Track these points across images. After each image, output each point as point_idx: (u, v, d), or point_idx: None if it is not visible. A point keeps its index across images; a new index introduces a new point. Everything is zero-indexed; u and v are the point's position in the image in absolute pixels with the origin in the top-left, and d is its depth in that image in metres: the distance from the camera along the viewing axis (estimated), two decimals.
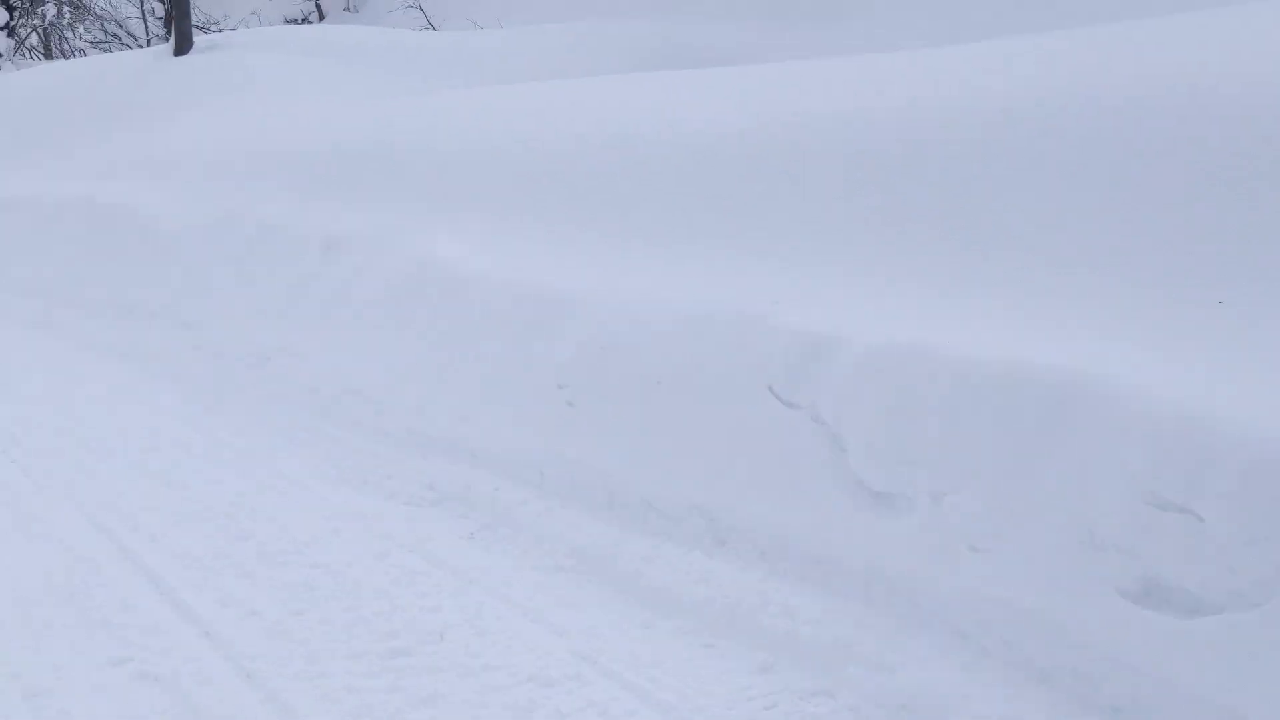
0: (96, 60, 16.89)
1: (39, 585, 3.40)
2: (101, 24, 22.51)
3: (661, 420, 3.93)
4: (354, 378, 5.60)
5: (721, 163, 5.32)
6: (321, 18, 21.67)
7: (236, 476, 4.61)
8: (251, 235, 7.28)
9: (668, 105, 6.32)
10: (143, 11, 22.85)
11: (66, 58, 21.05)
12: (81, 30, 22.52)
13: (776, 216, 4.80)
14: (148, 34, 22.44)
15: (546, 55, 11.22)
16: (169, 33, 20.13)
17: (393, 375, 5.45)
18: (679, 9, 14.01)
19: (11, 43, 19.64)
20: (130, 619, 3.17)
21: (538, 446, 4.36)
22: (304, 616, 3.21)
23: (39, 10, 20.64)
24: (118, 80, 13.87)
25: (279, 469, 4.71)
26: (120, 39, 22.51)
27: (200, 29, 16.18)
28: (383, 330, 5.78)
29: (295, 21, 21.87)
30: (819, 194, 4.74)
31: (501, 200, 6.23)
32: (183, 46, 13.50)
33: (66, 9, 21.36)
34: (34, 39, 21.25)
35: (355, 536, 3.89)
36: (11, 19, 19.64)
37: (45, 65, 18.36)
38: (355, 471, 4.68)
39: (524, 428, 4.54)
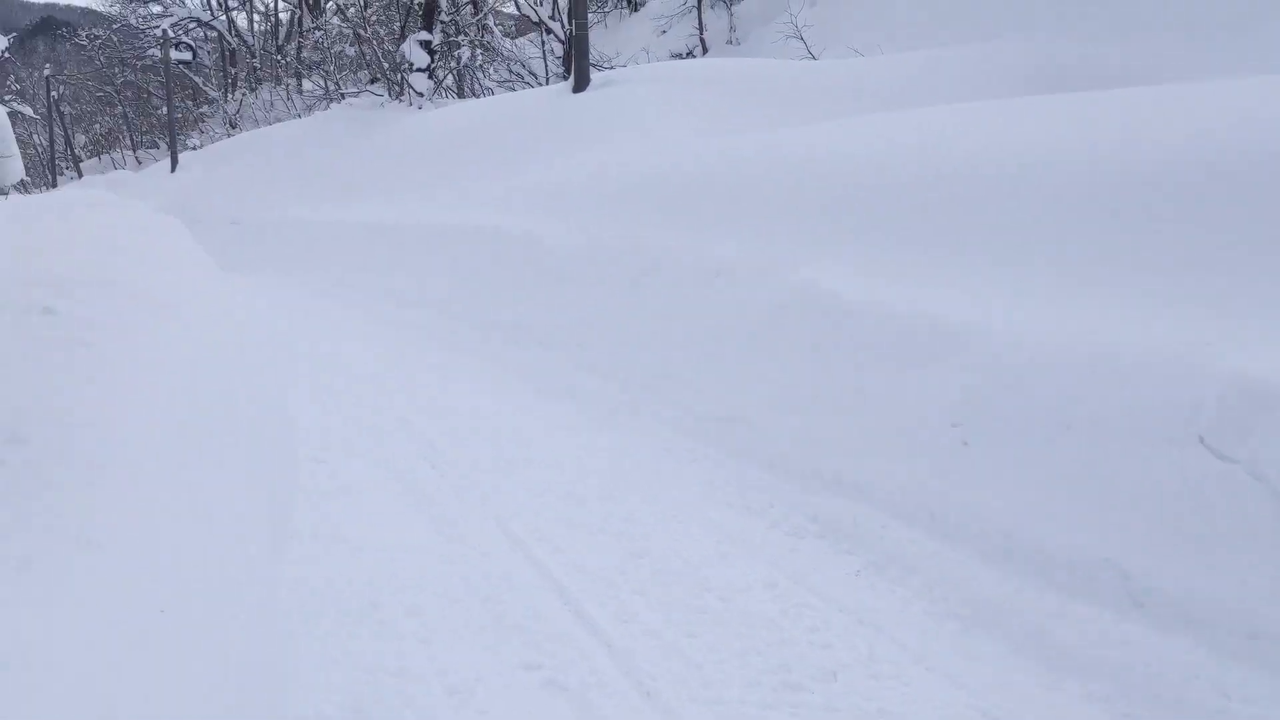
0: (504, 99, 18.36)
1: (459, 588, 3.68)
2: (508, 64, 24.53)
3: (1068, 467, 3.69)
4: (735, 404, 5.71)
5: (1133, 188, 4.93)
6: (705, 51, 22.43)
7: (629, 494, 4.81)
8: (641, 263, 7.62)
9: (1065, 129, 5.97)
10: (543, 52, 24.70)
11: (476, 96, 23.09)
12: (490, 70, 24.63)
13: (1200, 248, 4.38)
14: (547, 72, 24.21)
15: (927, 81, 10.94)
16: (567, 71, 21.65)
17: (773, 403, 5.50)
18: (1064, 27, 13.28)
19: (431, 84, 21.77)
20: (540, 627, 3.37)
21: (927, 486, 4.23)
22: (697, 639, 3.28)
23: (455, 54, 22.78)
24: (523, 116, 15.01)
25: (667, 490, 4.86)
26: (523, 77, 24.43)
27: (595, 66, 17.21)
28: (764, 358, 5.85)
29: (680, 56, 22.80)
30: (1252, 225, 4.28)
31: (884, 228, 6.14)
32: (581, 84, 14.43)
33: (479, 52, 23.44)
34: (449, 80, 23.44)
35: (742, 563, 3.93)
36: (432, 62, 21.78)
37: (459, 104, 20.19)
38: (738, 497, 4.74)
39: (912, 465, 4.43)
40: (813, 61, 14.90)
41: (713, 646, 3.23)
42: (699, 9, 23.10)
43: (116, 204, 8.30)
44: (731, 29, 21.95)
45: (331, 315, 10.45)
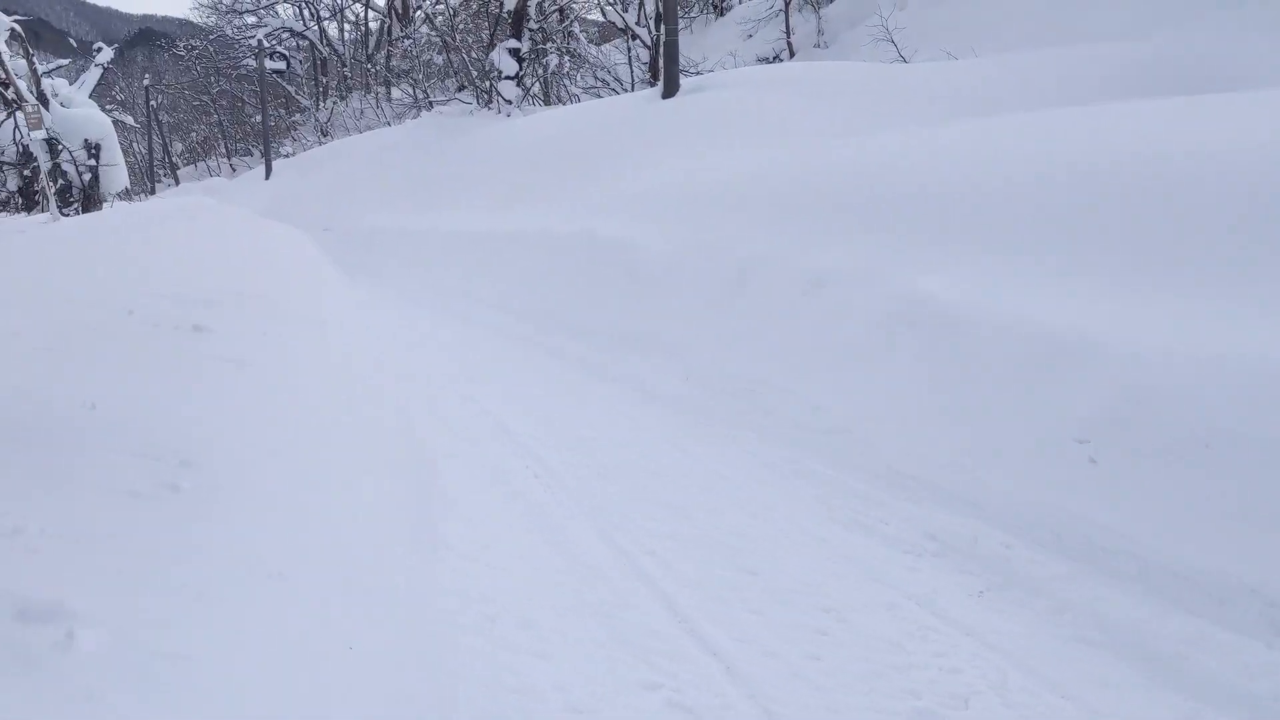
0: (592, 105, 18.39)
1: (571, 602, 3.63)
2: (594, 71, 24.63)
3: (1207, 487, 3.52)
4: (839, 415, 5.60)
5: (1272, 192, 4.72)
6: (792, 55, 22.26)
7: (735, 508, 4.72)
8: (737, 269, 7.52)
9: (1191, 131, 5.76)
10: (629, 58, 24.76)
11: (563, 103, 23.21)
12: (577, 77, 24.75)
13: None
14: (633, 78, 24.24)
15: (1028, 83, 10.65)
16: (654, 77, 21.65)
17: (879, 415, 5.38)
18: (1173, 25, 12.87)
19: (519, 92, 21.94)
20: (656, 644, 3.30)
21: (1052, 504, 4.08)
22: (820, 662, 3.19)
23: (543, 61, 22.92)
24: (612, 123, 15.01)
25: (772, 503, 4.77)
26: (609, 83, 24.50)
27: (682, 71, 17.14)
28: (868, 368, 5.73)
29: (767, 60, 22.65)
30: None
31: (994, 235, 5.96)
32: (671, 89, 14.39)
33: (566, 59, 23.57)
34: (536, 87, 23.62)
35: (858, 582, 3.82)
36: (520, 69, 21.96)
37: (547, 111, 20.30)
38: (847, 512, 4.63)
39: (1034, 482, 4.28)
40: (905, 65, 14.66)
41: (836, 670, 3.14)
42: (786, 12, 22.92)
43: (222, 211, 8.48)
44: (819, 32, 21.73)
45: (427, 322, 10.53)
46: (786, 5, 22.92)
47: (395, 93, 36.98)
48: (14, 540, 1.87)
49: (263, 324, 3.49)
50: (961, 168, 6.86)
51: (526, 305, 10.22)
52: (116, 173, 13.47)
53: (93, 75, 15.79)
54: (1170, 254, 4.85)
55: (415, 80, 32.89)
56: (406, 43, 35.25)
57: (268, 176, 29.50)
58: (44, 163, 13.02)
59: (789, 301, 6.70)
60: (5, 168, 20.92)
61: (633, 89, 23.59)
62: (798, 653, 3.25)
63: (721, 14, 29.51)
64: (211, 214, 7.30)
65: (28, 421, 2.27)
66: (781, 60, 22.46)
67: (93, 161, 13.18)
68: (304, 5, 45.43)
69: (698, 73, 20.89)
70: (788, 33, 22.79)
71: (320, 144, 34.31)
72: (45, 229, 10.74)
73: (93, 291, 3.67)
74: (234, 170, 43.43)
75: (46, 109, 12.59)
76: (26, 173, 19.35)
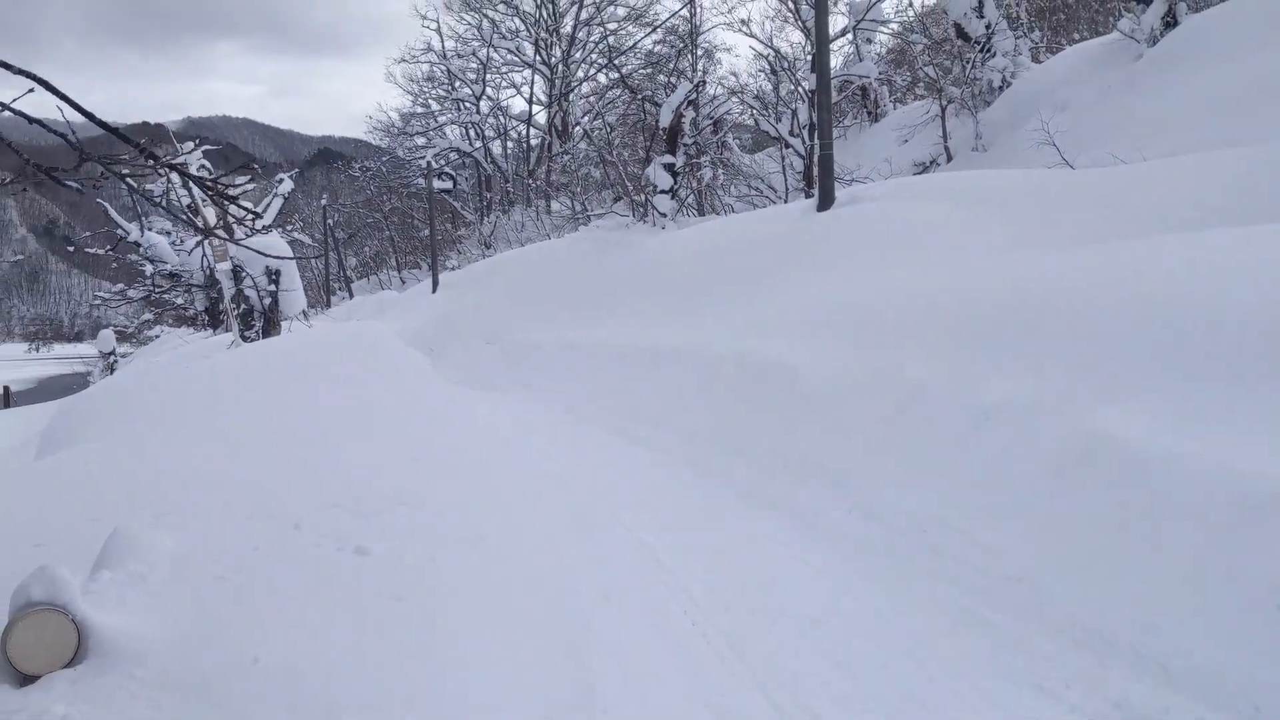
0: (746, 217, 18.48)
1: None
2: (747, 181, 24.85)
3: None
4: (1014, 560, 5.28)
5: None
6: (949, 159, 22.00)
7: (902, 661, 4.48)
8: (901, 396, 7.29)
9: None
10: (783, 166, 24.90)
11: (717, 213, 23.45)
12: (730, 187, 25.02)
13: None
14: (787, 187, 24.34)
15: (1210, 191, 10.07)
16: (808, 185, 21.70)
17: (1059, 562, 5.05)
18: None
19: (674, 204, 22.27)
20: None
21: (1251, 673, 3.72)
22: None
23: (698, 174, 23.27)
24: (766, 236, 15.01)
25: (947, 658, 4.50)
26: (762, 192, 24.66)
27: (837, 179, 17.11)
28: (1045, 510, 5.40)
29: (924, 165, 22.44)
30: None
31: (1188, 368, 5.51)
32: (826, 202, 14.33)
33: (720, 171, 23.87)
34: (691, 199, 23.95)
35: None
36: (675, 183, 22.32)
37: (701, 224, 20.51)
38: (1027, 672, 4.32)
39: (1232, 648, 3.91)
40: (1070, 171, 14.23)
41: None
42: (942, 117, 22.73)
43: (390, 355, 8.74)
44: (977, 136, 21.42)
45: (580, 438, 10.60)
46: (943, 110, 22.75)
47: (554, 205, 38.17)
48: None
49: (428, 545, 3.49)
50: (1143, 289, 6.48)
51: (682, 423, 10.15)
52: (294, 296, 14.17)
53: (275, 204, 16.75)
54: None
55: (574, 193, 33.86)
56: (565, 158, 36.46)
57: (434, 290, 30.63)
58: (228, 289, 13.78)
59: (958, 434, 6.43)
60: (194, 289, 22.30)
61: (786, 198, 23.67)
62: None
63: (876, 120, 29.51)
64: (381, 362, 7.58)
65: (196, 672, 2.30)
66: (938, 165, 22.21)
67: (273, 287, 13.88)
68: (470, 126, 47.67)
69: (852, 180, 20.83)
70: (944, 137, 22.57)
71: (484, 256, 35.54)
72: (229, 355, 11.31)
73: (263, 495, 3.78)
74: (403, 282, 45.33)
75: (232, 239, 13.38)
76: (213, 294, 20.60)
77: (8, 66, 2.07)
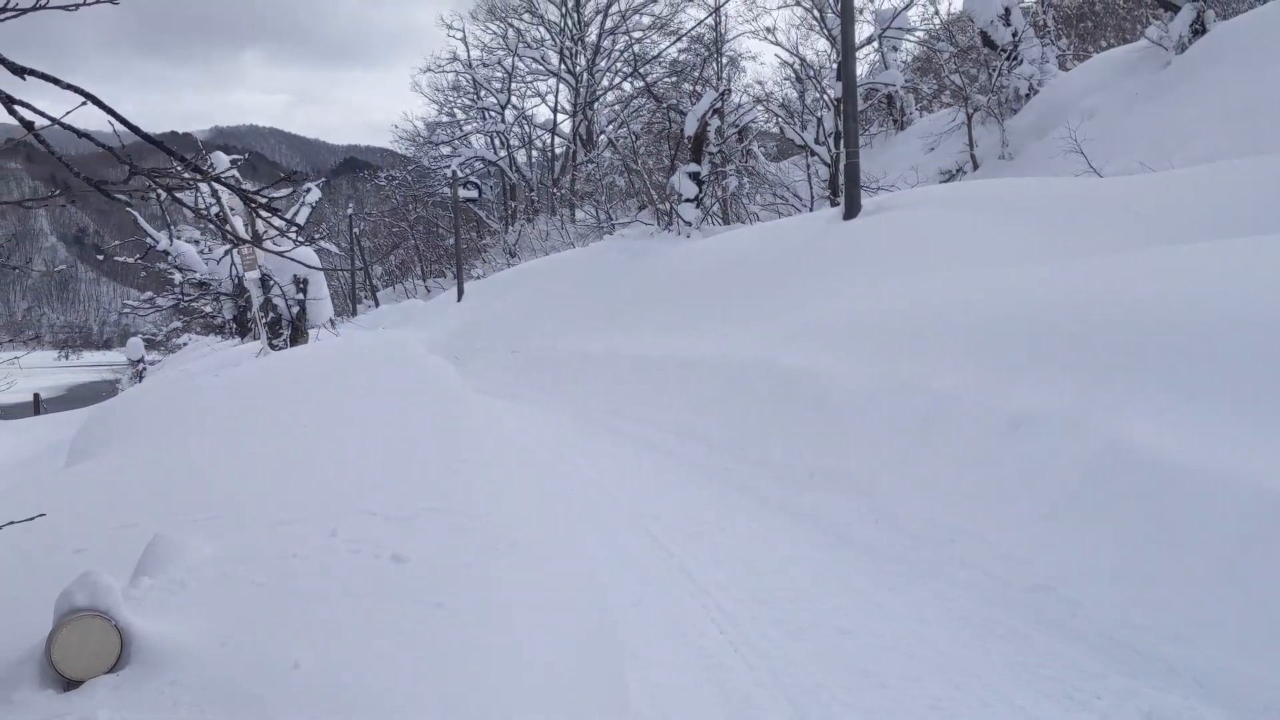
0: (771, 226, 18.48)
1: None
2: (772, 189, 24.85)
3: None
4: (1043, 571, 5.26)
5: None
6: (976, 167, 21.93)
7: (933, 673, 4.46)
8: (928, 406, 7.27)
9: None
10: (808, 174, 24.88)
11: (741, 221, 23.45)
12: (756, 195, 25.02)
13: None
14: (812, 195, 24.32)
15: (1240, 198, 9.98)
16: (833, 193, 21.68)
17: (1088, 573, 5.03)
18: None
19: (699, 213, 22.30)
20: None
21: None
22: None
23: (723, 183, 23.29)
24: (792, 245, 15.00)
25: (974, 670, 4.48)
26: (787, 200, 24.65)
27: (863, 187, 17.07)
28: (1075, 521, 5.38)
29: (950, 173, 22.38)
30: None
31: (1215, 379, 5.49)
32: (852, 210, 14.32)
33: (745, 179, 23.88)
34: (715, 207, 23.97)
35: None
36: (700, 191, 22.34)
37: (726, 232, 20.52)
38: (1056, 683, 4.30)
39: (1264, 660, 3.89)
40: (1098, 179, 14.16)
41: None
42: (969, 125, 22.68)
43: (417, 363, 8.79)
44: (1004, 144, 21.36)
45: (605, 448, 10.62)
46: (969, 118, 22.69)
47: (579, 214, 38.28)
48: None
49: (464, 552, 3.52)
50: (1171, 299, 6.46)
51: (708, 433, 10.15)
52: (322, 305, 14.26)
53: (302, 213, 16.88)
54: None
55: (598, 202, 33.95)
56: (590, 166, 36.58)
57: (459, 299, 30.78)
58: (256, 298, 13.90)
59: (985, 444, 6.41)
60: (222, 298, 22.51)
61: (812, 206, 23.65)
62: None
63: (902, 128, 29.47)
64: (408, 371, 7.65)
65: (237, 678, 2.33)
66: (964, 173, 22.15)
67: (301, 296, 13.99)
68: (495, 135, 47.89)
69: (878, 188, 20.80)
70: (970, 145, 22.51)
71: (509, 265, 35.69)
72: (258, 363, 11.41)
73: (300, 503, 3.82)
74: (429, 292, 45.55)
75: (260, 248, 13.45)
76: (241, 303, 20.79)
77: (56, 81, 2.12)
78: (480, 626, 2.93)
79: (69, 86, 2.11)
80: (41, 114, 2.16)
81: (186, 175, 2.41)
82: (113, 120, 2.21)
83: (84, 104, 2.16)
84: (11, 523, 2.65)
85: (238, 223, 14.88)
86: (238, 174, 18.27)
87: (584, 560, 5.89)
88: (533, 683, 2.85)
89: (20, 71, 2.08)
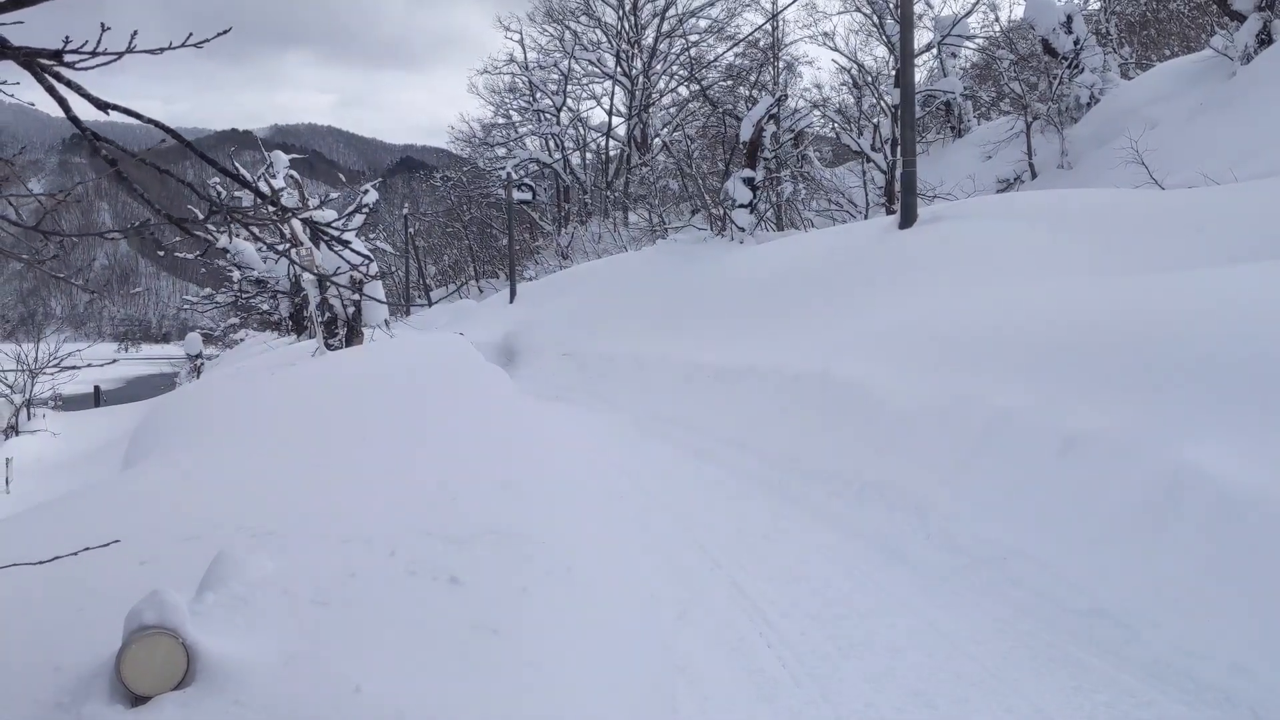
0: (826, 234, 18.37)
1: None
2: (827, 195, 24.72)
3: None
4: (1100, 595, 5.20)
5: None
6: (1034, 176, 21.67)
7: (984, 697, 4.43)
8: (984, 422, 7.20)
9: None
10: (863, 181, 24.73)
11: (796, 228, 23.35)
12: (810, 201, 24.90)
13: None
14: (867, 202, 24.17)
15: None
16: (889, 201, 21.52)
17: (1146, 598, 4.96)
18: None
19: (753, 219, 22.23)
20: None
21: None
22: None
23: (777, 189, 23.22)
24: (846, 253, 14.90)
25: (1028, 692, 4.45)
26: (842, 206, 24.51)
27: (920, 196, 16.93)
28: (1132, 545, 5.31)
29: (1008, 182, 22.12)
30: None
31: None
32: (908, 219, 14.22)
33: (800, 185, 23.78)
34: (770, 213, 23.89)
35: None
36: (755, 197, 22.28)
37: (780, 239, 20.45)
38: (1109, 709, 4.27)
39: None
40: (1161, 191, 13.93)
41: None
42: (1027, 133, 22.41)
43: (476, 371, 8.86)
44: (1063, 153, 21.06)
45: (658, 457, 10.63)
46: (1028, 126, 22.42)
47: (632, 217, 38.34)
48: None
49: (514, 576, 3.55)
50: (1234, 319, 6.35)
51: (759, 443, 10.12)
52: (377, 306, 14.41)
53: (359, 216, 17.07)
54: None
55: (651, 206, 33.98)
56: (644, 170, 36.62)
57: (511, 300, 30.96)
58: (313, 297, 14.08)
59: (1041, 464, 6.34)
60: (279, 295, 22.82)
61: (867, 214, 23.50)
62: None
63: (960, 135, 29.17)
64: (462, 377, 7.72)
65: (299, 698, 2.37)
66: (1023, 182, 21.89)
67: (356, 296, 14.15)
68: (550, 137, 48.12)
69: (934, 196, 20.61)
70: (1029, 154, 22.24)
71: (561, 267, 35.83)
72: (312, 364, 11.56)
73: (355, 518, 3.87)
74: (481, 292, 45.86)
75: (318, 248, 13.67)
76: (297, 300, 21.05)
77: (139, 116, 2.17)
78: (534, 655, 2.96)
79: (151, 121, 2.17)
80: (125, 150, 2.22)
81: (265, 212, 2.47)
82: (191, 150, 2.26)
83: (164, 141, 2.21)
84: (88, 548, 2.73)
85: (296, 225, 15.08)
86: (295, 174, 18.52)
87: (634, 573, 5.92)
88: (587, 713, 2.89)
89: (104, 106, 2.14)
